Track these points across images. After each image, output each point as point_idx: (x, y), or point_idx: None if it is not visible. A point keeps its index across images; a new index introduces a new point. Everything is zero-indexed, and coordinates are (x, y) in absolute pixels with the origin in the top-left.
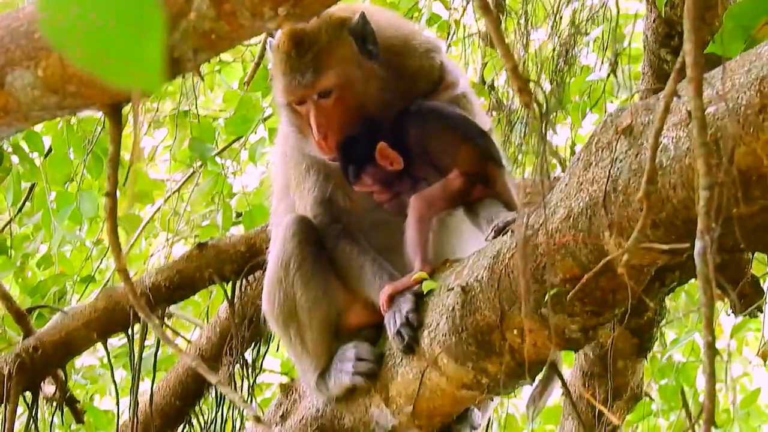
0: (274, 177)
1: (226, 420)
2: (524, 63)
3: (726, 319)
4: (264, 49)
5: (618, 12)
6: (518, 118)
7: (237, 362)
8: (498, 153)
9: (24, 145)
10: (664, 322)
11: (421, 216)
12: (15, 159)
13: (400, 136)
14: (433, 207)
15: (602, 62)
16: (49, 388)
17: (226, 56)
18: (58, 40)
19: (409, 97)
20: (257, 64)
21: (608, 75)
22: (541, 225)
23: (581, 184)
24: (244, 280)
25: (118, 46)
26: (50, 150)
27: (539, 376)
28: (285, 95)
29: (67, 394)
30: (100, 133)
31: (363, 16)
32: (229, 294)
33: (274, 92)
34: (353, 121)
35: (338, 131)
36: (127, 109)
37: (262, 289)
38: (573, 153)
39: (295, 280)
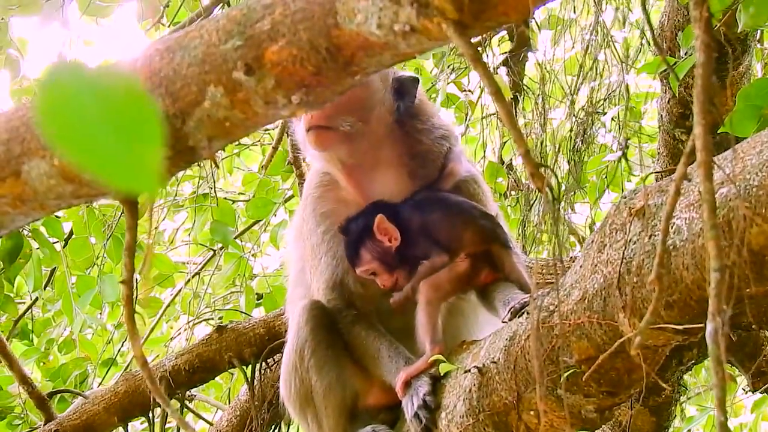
0: (290, 261)
1: None
2: (542, 143)
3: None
4: (282, 132)
5: (628, 97)
6: (536, 198)
7: None
8: (504, 234)
9: (43, 230)
10: (683, 399)
11: (428, 299)
12: (35, 244)
13: (405, 225)
14: (441, 291)
15: (619, 142)
16: None
17: (244, 140)
18: (55, 141)
19: (414, 177)
20: (275, 148)
21: (619, 158)
22: (556, 307)
23: (596, 265)
24: (263, 363)
25: (115, 150)
26: (70, 234)
27: None
28: None
29: None
30: (120, 217)
31: (417, 79)
32: (249, 377)
33: None
34: (345, 114)
35: (329, 107)
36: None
37: (281, 372)
38: (592, 231)
39: (309, 367)
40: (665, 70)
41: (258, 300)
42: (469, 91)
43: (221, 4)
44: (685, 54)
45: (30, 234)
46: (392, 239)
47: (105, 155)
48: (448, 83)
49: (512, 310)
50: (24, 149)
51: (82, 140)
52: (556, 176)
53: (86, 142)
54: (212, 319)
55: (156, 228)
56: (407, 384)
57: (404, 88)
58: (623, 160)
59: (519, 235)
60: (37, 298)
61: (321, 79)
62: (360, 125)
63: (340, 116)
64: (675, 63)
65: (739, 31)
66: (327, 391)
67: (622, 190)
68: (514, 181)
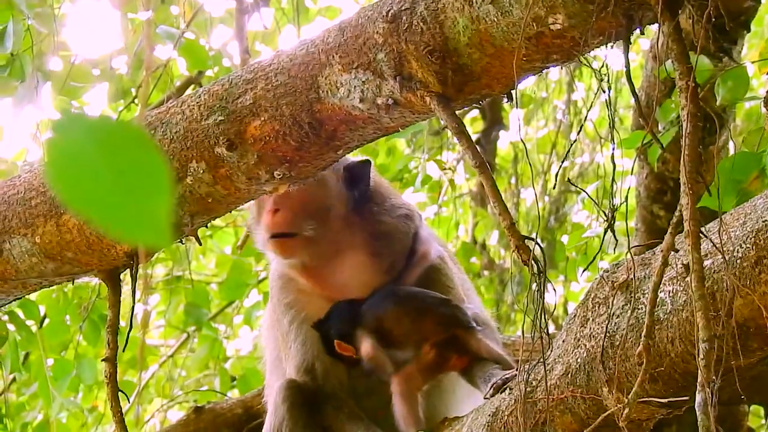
0: (265, 347)
1: None
2: (515, 223)
3: None
4: None
5: (614, 167)
6: (510, 277)
7: None
8: (465, 315)
9: (19, 312)
10: None
11: (403, 393)
12: (11, 327)
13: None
14: (414, 382)
15: (603, 212)
16: None
17: (217, 221)
18: (63, 194)
19: (380, 257)
20: None
21: (605, 230)
22: (539, 381)
23: (578, 339)
24: None
25: (123, 201)
26: (44, 318)
27: None
28: None
29: None
30: (94, 300)
31: (369, 163)
32: None
33: None
34: (306, 218)
35: (290, 212)
36: (124, 275)
37: None
38: (566, 312)
39: None
40: (647, 143)
41: (232, 382)
42: (450, 168)
43: (192, 86)
44: (664, 129)
45: (6, 317)
46: (354, 353)
47: (113, 207)
48: (427, 161)
49: (494, 386)
50: (5, 228)
51: (90, 192)
52: (542, 248)
53: (94, 194)
54: (187, 401)
55: (133, 309)
56: None
57: (356, 175)
58: (609, 232)
59: (493, 315)
60: (13, 380)
61: (303, 154)
62: (321, 228)
63: (302, 221)
64: (650, 140)
65: (717, 104)
66: None
67: (598, 269)
68: (488, 260)
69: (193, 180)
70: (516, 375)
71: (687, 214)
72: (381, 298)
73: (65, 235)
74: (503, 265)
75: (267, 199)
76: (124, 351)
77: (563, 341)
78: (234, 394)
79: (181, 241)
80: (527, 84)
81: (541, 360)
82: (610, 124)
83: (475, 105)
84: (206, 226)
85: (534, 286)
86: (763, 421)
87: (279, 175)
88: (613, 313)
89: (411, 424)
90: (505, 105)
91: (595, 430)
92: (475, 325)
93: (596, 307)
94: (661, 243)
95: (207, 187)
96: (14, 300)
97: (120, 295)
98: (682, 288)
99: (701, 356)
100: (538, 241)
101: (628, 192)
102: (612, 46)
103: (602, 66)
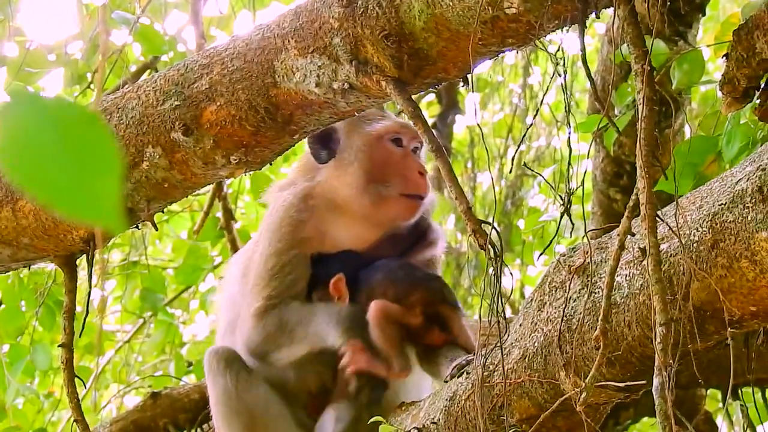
0: (223, 306)
1: None
2: (471, 207)
3: None
4: (213, 198)
5: (570, 151)
6: (467, 262)
7: None
8: (452, 296)
9: None
10: None
11: (379, 323)
12: None
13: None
14: (392, 320)
15: (559, 197)
16: None
17: (174, 206)
18: (12, 172)
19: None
20: (206, 213)
21: (562, 214)
22: (496, 365)
23: (535, 324)
24: (199, 429)
25: (73, 181)
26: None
27: None
28: (399, 128)
29: None
30: (50, 285)
31: None
32: None
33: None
34: None
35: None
36: (80, 261)
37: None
38: (523, 296)
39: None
40: (604, 127)
41: (189, 367)
42: None
43: (148, 71)
44: (620, 113)
45: None
46: (341, 299)
47: (63, 187)
48: None
49: (458, 365)
50: None
51: (40, 171)
52: (498, 232)
53: (44, 173)
54: (144, 387)
55: (89, 295)
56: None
57: None
58: (565, 216)
59: None
60: None
61: (260, 139)
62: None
63: None
64: (606, 124)
65: (673, 88)
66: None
67: (555, 252)
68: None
69: (149, 165)
70: (473, 359)
71: (643, 198)
72: (375, 269)
73: (21, 220)
74: (460, 249)
75: (407, 159)
76: (80, 336)
77: (520, 325)
78: (190, 379)
79: (137, 226)
80: (483, 68)
81: (498, 344)
82: (566, 108)
83: (431, 89)
84: (162, 211)
85: (491, 270)
86: (721, 405)
87: (235, 159)
88: (570, 297)
89: (394, 350)
90: (462, 89)
91: (552, 414)
92: (460, 306)
93: (553, 291)
94: (618, 227)
95: (163, 172)
96: None
97: (76, 281)
98: (638, 272)
99: (658, 340)
100: (495, 225)
101: (584, 176)
102: (567, 30)
103: (558, 50)
